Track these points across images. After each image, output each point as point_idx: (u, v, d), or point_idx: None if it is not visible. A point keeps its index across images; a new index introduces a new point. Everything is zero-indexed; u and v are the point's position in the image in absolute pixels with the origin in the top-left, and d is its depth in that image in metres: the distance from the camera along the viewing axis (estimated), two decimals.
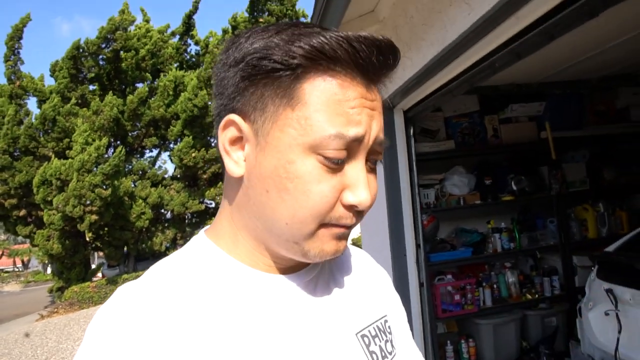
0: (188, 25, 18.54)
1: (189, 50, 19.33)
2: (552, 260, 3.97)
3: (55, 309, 15.07)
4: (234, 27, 17.08)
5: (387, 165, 3.33)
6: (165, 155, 22.48)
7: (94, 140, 14.38)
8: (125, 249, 17.63)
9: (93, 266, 19.25)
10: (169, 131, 17.21)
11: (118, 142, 17.27)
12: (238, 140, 0.59)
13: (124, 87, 17.97)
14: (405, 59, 2.79)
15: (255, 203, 0.58)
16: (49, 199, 14.13)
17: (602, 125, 4.01)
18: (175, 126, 16.90)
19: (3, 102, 15.84)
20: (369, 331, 0.70)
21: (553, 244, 3.86)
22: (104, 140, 14.60)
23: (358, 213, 0.58)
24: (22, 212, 16.17)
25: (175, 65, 18.42)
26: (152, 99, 17.30)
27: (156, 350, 0.51)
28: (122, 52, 17.09)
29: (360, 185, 0.56)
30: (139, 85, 17.89)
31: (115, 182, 14.84)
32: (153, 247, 17.55)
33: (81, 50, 16.37)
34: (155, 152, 19.26)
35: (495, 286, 3.82)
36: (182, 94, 16.06)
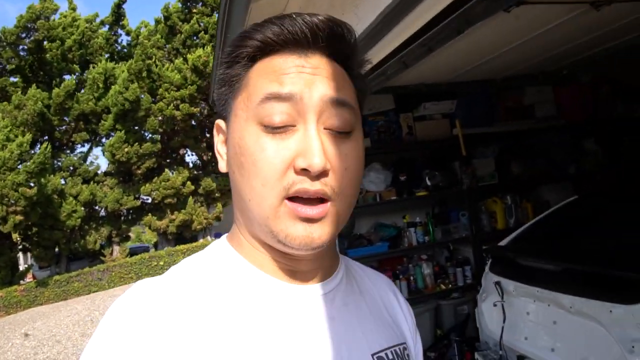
0: (118, 14, 17.82)
1: (119, 40, 18.62)
2: (465, 251, 4.18)
3: None
4: (167, 18, 16.59)
5: None
6: (97, 151, 21.58)
7: (16, 136, 13.56)
8: (57, 249, 16.82)
9: (21, 268, 18.21)
10: (100, 125, 16.52)
11: (45, 138, 16.38)
12: (225, 142, 0.66)
13: (49, 79, 17.02)
14: None
15: (234, 190, 0.63)
16: None
17: (511, 122, 4.24)
18: (106, 120, 16.23)
19: None
20: (387, 354, 0.67)
21: (465, 236, 4.06)
22: (28, 136, 13.81)
23: (324, 182, 0.56)
24: None
25: (106, 56, 17.65)
26: (81, 92, 16.51)
27: (153, 344, 0.53)
28: (45, 42, 16.17)
29: (309, 148, 0.55)
30: (67, 77, 17.01)
31: (42, 179, 14.09)
32: (87, 246, 16.89)
33: None
34: (86, 147, 18.47)
35: (411, 278, 3.98)
36: (113, 87, 15.44)
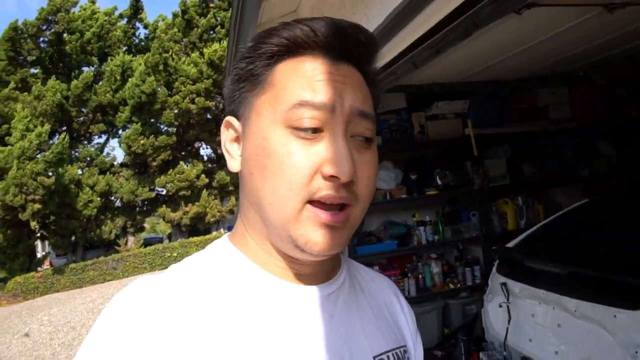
0: (136, 7, 17.99)
1: (137, 34, 18.81)
2: (474, 251, 4.18)
3: None
4: (184, 11, 16.70)
5: None
6: (114, 142, 21.87)
7: (35, 126, 13.81)
8: (73, 237, 17.13)
9: (39, 255, 18.58)
10: (117, 117, 16.73)
11: (63, 129, 16.64)
12: (236, 140, 0.64)
13: (68, 71, 17.27)
14: None
15: (248, 191, 0.61)
16: None
17: (524, 123, 4.22)
18: (123, 112, 16.44)
19: None
20: (388, 357, 0.67)
21: (475, 236, 4.06)
22: (47, 126, 14.05)
23: (347, 189, 0.57)
24: None
25: (124, 49, 17.84)
26: (99, 84, 16.73)
27: (152, 342, 0.53)
28: (65, 35, 16.40)
29: (338, 156, 0.55)
30: (85, 69, 17.25)
31: (60, 169, 14.34)
32: (102, 236, 17.16)
33: (20, 31, 15.59)
34: (103, 138, 18.73)
35: (420, 276, 3.99)
36: (130, 79, 15.62)
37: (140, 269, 15.95)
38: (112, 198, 17.58)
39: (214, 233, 18.23)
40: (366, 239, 3.86)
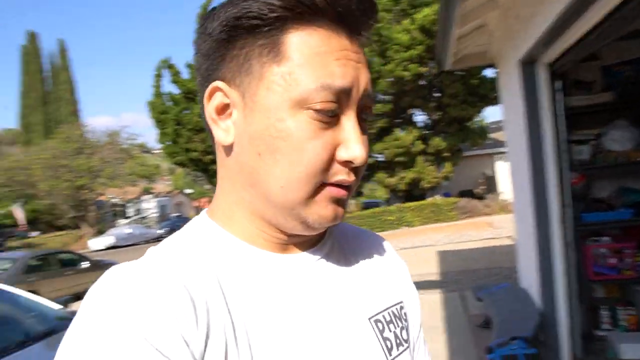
0: None
1: None
2: None
3: None
4: None
5: (528, 122, 3.23)
6: None
7: None
8: None
9: None
10: None
11: None
12: (225, 108, 0.57)
13: None
14: (538, 3, 2.66)
15: (248, 170, 0.57)
16: None
17: None
18: None
19: None
20: (384, 316, 0.66)
21: None
22: None
23: (355, 171, 0.57)
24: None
25: None
26: None
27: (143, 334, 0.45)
28: None
29: (353, 140, 0.54)
30: None
31: None
32: None
33: None
34: None
35: None
36: None
37: None
38: None
39: (429, 199, 18.39)
40: (595, 206, 3.50)
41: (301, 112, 0.53)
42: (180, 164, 20.78)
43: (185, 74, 19.03)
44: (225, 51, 0.55)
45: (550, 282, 3.26)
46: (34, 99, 45.48)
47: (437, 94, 17.74)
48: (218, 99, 0.57)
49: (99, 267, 10.60)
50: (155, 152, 51.94)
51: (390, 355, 0.64)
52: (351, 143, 0.54)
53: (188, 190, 48.02)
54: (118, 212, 39.76)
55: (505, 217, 14.14)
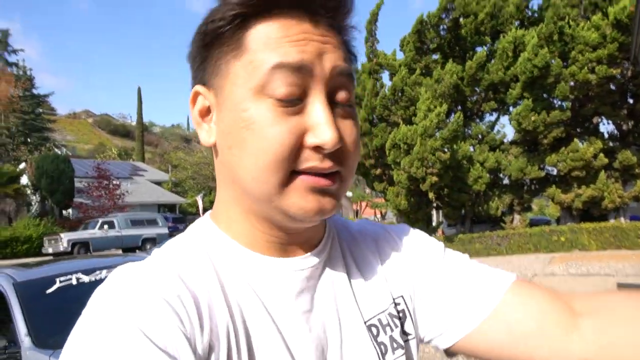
0: None
1: (530, 5, 18.13)
2: None
3: None
4: None
5: None
6: (504, 119, 22.04)
7: (435, 107, 15.38)
8: (463, 210, 18.43)
9: (434, 223, 20.94)
10: (508, 94, 16.74)
11: (458, 108, 17.95)
12: (208, 111, 0.59)
13: (463, 53, 18.39)
14: None
15: (228, 166, 0.58)
16: (398, 160, 16.04)
17: None
18: (514, 89, 16.31)
19: (364, 78, 18.76)
20: (379, 320, 0.66)
21: None
22: (444, 106, 15.42)
23: (333, 157, 0.54)
24: (378, 171, 19.00)
25: (516, 23, 17.58)
26: (491, 62, 17.12)
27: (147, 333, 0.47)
28: (461, 19, 17.45)
29: (322, 123, 0.52)
30: (478, 49, 17.94)
31: (454, 146, 15.59)
32: (489, 211, 17.74)
33: (424, 23, 17.57)
34: (494, 116, 19.15)
35: None
36: (522, 54, 15.27)
37: (524, 248, 15.68)
38: (501, 175, 17.86)
39: (612, 221, 15.98)
40: None
41: (263, 99, 0.53)
42: None
43: None
44: (202, 57, 0.58)
45: None
46: None
47: (631, 100, 15.35)
48: (200, 103, 0.59)
49: None
50: None
51: (384, 359, 0.64)
52: (319, 127, 0.53)
53: (348, 194, 49.59)
54: None
55: None
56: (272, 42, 0.53)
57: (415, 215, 18.04)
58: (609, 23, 13.44)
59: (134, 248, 20.90)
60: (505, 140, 18.22)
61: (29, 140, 36.92)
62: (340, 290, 0.65)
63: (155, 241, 21.42)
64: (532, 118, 15.24)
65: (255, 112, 0.53)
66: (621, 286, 9.01)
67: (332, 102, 0.56)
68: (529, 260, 13.41)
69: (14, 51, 40.86)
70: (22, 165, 29.25)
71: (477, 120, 19.03)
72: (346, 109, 0.57)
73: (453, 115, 16.52)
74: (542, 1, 17.11)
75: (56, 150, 36.78)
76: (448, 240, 16.84)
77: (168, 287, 0.51)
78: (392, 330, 0.66)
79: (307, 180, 0.54)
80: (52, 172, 26.47)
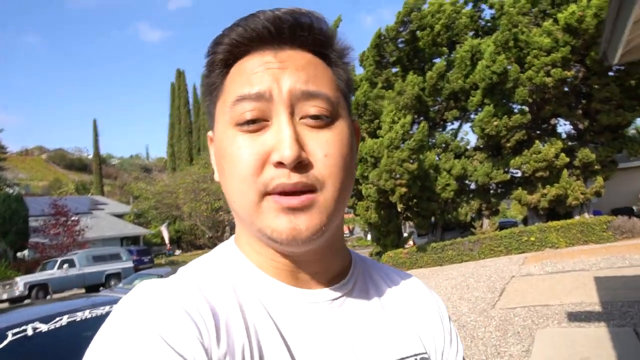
0: None
1: (483, 16, 18.72)
2: None
3: None
4: None
5: None
6: (466, 127, 22.49)
7: (399, 118, 15.51)
8: (433, 219, 18.51)
9: (405, 234, 20.97)
10: (469, 102, 17.10)
11: (421, 118, 18.18)
12: None
13: (422, 65, 18.73)
14: None
15: (225, 195, 0.62)
16: (366, 174, 16.02)
17: None
18: (474, 96, 16.68)
19: None
20: None
21: None
22: (408, 117, 15.58)
23: (301, 172, 0.55)
24: None
25: (471, 34, 18.09)
26: (450, 72, 17.47)
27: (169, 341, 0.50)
28: (418, 32, 17.81)
29: (281, 140, 0.54)
30: (437, 60, 18.33)
31: (421, 156, 15.70)
32: (458, 218, 17.90)
33: (382, 37, 17.84)
34: (456, 124, 19.52)
35: None
36: (479, 62, 15.65)
37: (496, 251, 15.85)
38: (467, 181, 18.10)
39: (577, 217, 16.39)
40: None
41: (231, 128, 0.58)
42: None
43: None
44: (206, 106, 0.66)
45: None
46: (180, 129, 50.70)
47: (584, 100, 15.90)
48: (211, 145, 0.66)
49: None
50: None
51: None
52: (279, 144, 0.55)
53: None
54: None
55: None
56: (238, 79, 0.59)
57: (387, 227, 18.02)
58: (559, 28, 13.96)
59: (98, 285, 19.93)
60: (469, 147, 18.51)
61: None
62: (361, 329, 0.64)
63: (120, 276, 20.52)
64: (495, 123, 15.57)
65: (227, 141, 0.58)
66: (598, 280, 9.11)
67: (302, 117, 0.57)
68: (503, 263, 13.52)
69: None
70: None
71: (440, 129, 19.32)
72: (316, 122, 0.58)
73: (417, 125, 16.69)
74: (494, 11, 17.65)
75: (8, 189, 35.02)
76: (421, 250, 16.85)
77: (189, 300, 0.54)
78: None
79: (276, 200, 0.55)
80: (3, 212, 25.11)
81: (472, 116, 17.92)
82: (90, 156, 70.42)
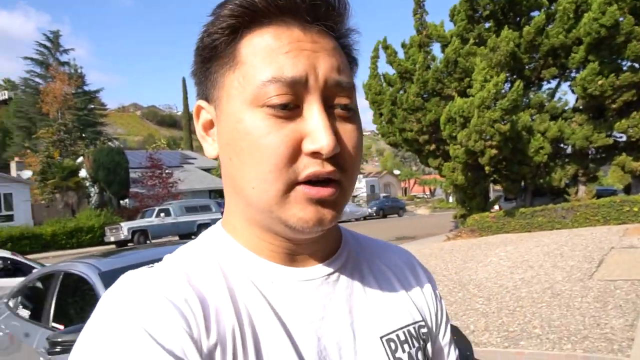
0: None
1: None
2: None
3: (459, 233, 16.82)
4: None
5: None
6: (565, 86, 20.87)
7: (491, 77, 14.69)
8: (523, 183, 17.69)
9: (491, 198, 20.25)
10: (570, 59, 15.77)
11: (515, 77, 17.08)
12: (211, 124, 0.61)
13: (518, 19, 17.44)
14: None
15: (230, 177, 0.59)
16: (454, 134, 15.49)
17: None
18: (577, 53, 15.33)
19: (414, 52, 18.15)
20: (397, 335, 0.64)
21: None
22: (502, 76, 14.71)
23: (333, 162, 0.54)
24: (432, 147, 18.45)
25: None
26: (550, 26, 16.14)
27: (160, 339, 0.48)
28: None
29: (318, 129, 0.52)
30: (535, 13, 16.94)
31: (514, 116, 14.88)
32: (551, 183, 16.92)
33: None
34: (553, 83, 18.13)
35: None
36: (585, 14, 14.27)
37: (592, 220, 14.90)
38: (563, 145, 16.97)
39: None
40: None
41: (257, 109, 0.53)
42: (394, 145, 20.90)
43: (400, 54, 18.95)
44: (202, 71, 0.60)
45: None
46: None
47: None
48: (203, 117, 0.62)
49: None
50: (365, 133, 54.81)
51: None
52: (315, 133, 0.53)
53: (396, 172, 49.32)
54: None
55: None
56: (263, 54, 0.54)
57: (473, 190, 17.50)
58: None
59: (190, 234, 21.39)
60: (566, 108, 17.23)
61: (84, 135, 38.28)
62: (355, 303, 0.64)
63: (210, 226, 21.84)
64: (600, 82, 14.28)
65: (249, 122, 0.54)
66: None
67: (331, 107, 0.56)
68: (601, 233, 12.72)
69: (65, 51, 42.02)
70: (80, 159, 30.37)
71: (536, 89, 18.08)
72: (345, 113, 0.57)
73: (510, 84, 15.75)
74: None
75: (109, 143, 38.01)
76: (508, 215, 16.25)
77: (175, 290, 0.52)
78: (410, 347, 0.65)
79: (308, 191, 0.54)
80: (108, 164, 27.37)
81: (573, 74, 16.50)
82: (180, 113, 74.12)
